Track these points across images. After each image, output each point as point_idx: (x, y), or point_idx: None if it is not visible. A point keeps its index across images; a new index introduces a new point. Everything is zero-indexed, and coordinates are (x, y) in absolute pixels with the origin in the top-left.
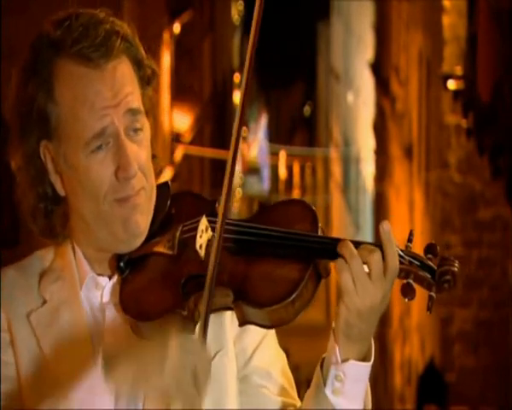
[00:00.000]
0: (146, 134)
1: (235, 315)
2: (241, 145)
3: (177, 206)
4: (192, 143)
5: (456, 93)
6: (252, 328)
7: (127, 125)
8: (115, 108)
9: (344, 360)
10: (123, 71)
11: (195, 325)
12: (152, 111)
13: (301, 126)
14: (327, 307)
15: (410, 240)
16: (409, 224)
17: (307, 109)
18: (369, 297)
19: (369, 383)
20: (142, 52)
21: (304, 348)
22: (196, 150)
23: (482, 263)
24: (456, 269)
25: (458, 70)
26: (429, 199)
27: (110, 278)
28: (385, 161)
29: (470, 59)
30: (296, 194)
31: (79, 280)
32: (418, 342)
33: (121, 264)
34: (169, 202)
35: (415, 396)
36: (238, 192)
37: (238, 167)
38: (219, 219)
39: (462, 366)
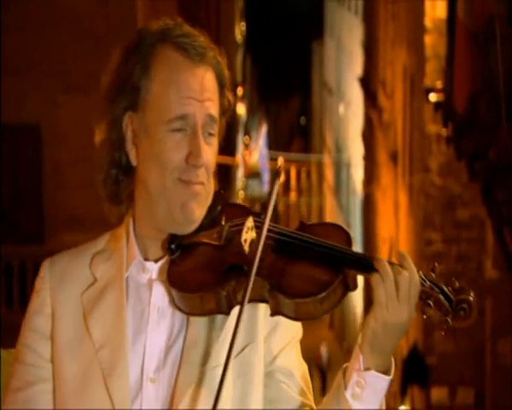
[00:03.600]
0: (216, 143)
1: (267, 315)
2: (244, 151)
3: (226, 211)
4: None
5: (436, 105)
6: (279, 332)
7: (204, 126)
8: (199, 103)
9: (366, 369)
10: (210, 79)
11: (230, 309)
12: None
13: (298, 135)
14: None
15: (433, 270)
16: (394, 222)
17: (303, 119)
18: (397, 314)
19: (384, 402)
20: (227, 80)
21: None
22: None
23: (460, 258)
24: (471, 299)
25: (439, 84)
26: (412, 200)
27: (160, 260)
28: (372, 166)
29: (449, 74)
30: (293, 196)
31: (127, 263)
32: None
33: (172, 246)
34: (220, 207)
35: (400, 378)
36: (240, 194)
37: (241, 171)
38: (267, 215)
39: (442, 351)
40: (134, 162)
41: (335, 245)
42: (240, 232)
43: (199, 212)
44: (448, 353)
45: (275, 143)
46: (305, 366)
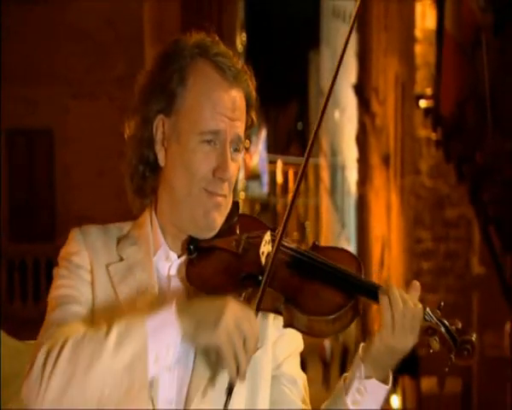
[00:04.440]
0: (240, 159)
1: (275, 323)
2: (244, 155)
3: (241, 221)
4: None
5: (426, 111)
6: (285, 341)
7: (232, 143)
8: (230, 121)
9: (367, 377)
10: (241, 99)
11: None
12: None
13: (295, 139)
14: None
15: (439, 308)
16: (386, 222)
17: (300, 124)
18: (402, 342)
19: None
20: (254, 102)
21: None
22: None
23: (448, 255)
24: (474, 340)
25: (428, 91)
26: (404, 200)
27: (179, 257)
28: (366, 169)
29: (438, 82)
30: (290, 197)
31: (154, 249)
32: None
33: (191, 247)
34: (236, 218)
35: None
36: (241, 195)
37: (241, 174)
38: (278, 234)
39: None
40: (162, 163)
41: (349, 271)
42: (258, 244)
43: (219, 220)
44: None
45: (273, 147)
46: (304, 377)
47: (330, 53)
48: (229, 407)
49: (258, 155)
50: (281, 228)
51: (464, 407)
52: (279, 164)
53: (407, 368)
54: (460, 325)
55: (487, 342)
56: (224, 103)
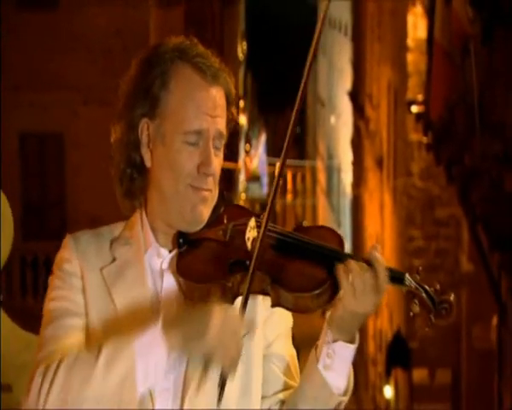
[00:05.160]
0: (222, 155)
1: (264, 304)
2: (245, 158)
3: (228, 212)
4: None
5: (418, 116)
6: (275, 320)
7: (214, 140)
8: (213, 119)
9: (334, 341)
10: (221, 97)
11: (234, 298)
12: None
13: (293, 143)
14: None
15: (418, 273)
16: (380, 221)
17: (298, 129)
18: (363, 304)
19: (352, 370)
20: (233, 98)
21: None
22: None
23: (439, 253)
24: (452, 300)
25: (420, 97)
26: (396, 201)
27: (170, 251)
28: (360, 171)
29: (429, 88)
30: (289, 197)
31: (144, 247)
32: (387, 316)
33: (181, 240)
34: (223, 208)
35: (384, 360)
36: (242, 196)
37: (242, 175)
38: (265, 217)
39: (422, 336)
40: (148, 164)
41: (330, 246)
42: (243, 231)
43: (206, 213)
44: (428, 338)
45: (273, 150)
46: (294, 352)
47: (327, 61)
48: (225, 393)
49: (258, 158)
50: (266, 213)
51: (454, 396)
52: (278, 166)
53: (399, 360)
54: (438, 287)
55: (475, 335)
56: (205, 103)
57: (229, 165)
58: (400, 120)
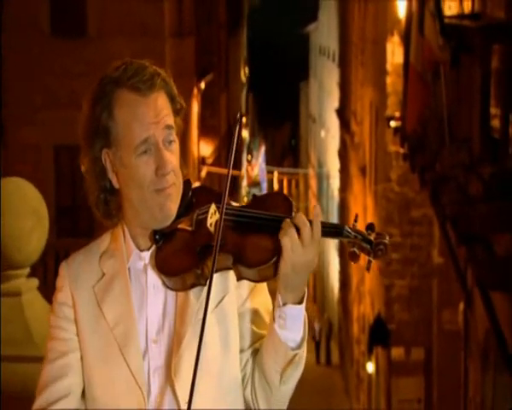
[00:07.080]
0: (176, 146)
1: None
2: (247, 166)
3: (196, 196)
4: (213, 164)
5: (395, 130)
6: (246, 281)
7: (164, 138)
8: (156, 125)
9: (284, 304)
10: (162, 100)
11: (206, 280)
12: (179, 133)
13: (289, 154)
14: None
15: (355, 221)
16: (363, 221)
17: (293, 141)
18: (302, 255)
19: (306, 317)
20: (175, 91)
21: None
22: (216, 169)
23: (414, 248)
24: (387, 241)
25: (397, 114)
26: (377, 203)
27: (149, 249)
28: (346, 178)
29: (405, 106)
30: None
31: (127, 256)
32: (369, 302)
33: (157, 236)
34: (190, 194)
35: (367, 340)
36: (245, 199)
37: (244, 182)
38: (222, 206)
39: (400, 319)
40: (116, 186)
41: (277, 215)
42: (206, 218)
43: (174, 207)
44: (404, 320)
45: (271, 160)
46: (269, 301)
47: (317, 84)
48: (206, 341)
49: (258, 166)
50: (223, 198)
51: (426, 371)
52: (275, 174)
53: (380, 340)
54: (374, 232)
55: (445, 318)
56: (147, 115)
57: (234, 172)
58: (380, 134)
